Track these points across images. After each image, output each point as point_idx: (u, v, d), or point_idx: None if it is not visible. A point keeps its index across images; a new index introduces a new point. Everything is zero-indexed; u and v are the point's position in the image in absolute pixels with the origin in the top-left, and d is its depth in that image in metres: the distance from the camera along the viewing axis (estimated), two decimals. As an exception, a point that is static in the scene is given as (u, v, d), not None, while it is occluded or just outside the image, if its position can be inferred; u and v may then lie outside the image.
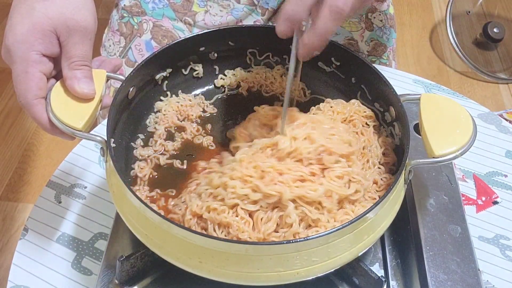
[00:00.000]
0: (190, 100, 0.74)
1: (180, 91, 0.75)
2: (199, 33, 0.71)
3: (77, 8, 0.60)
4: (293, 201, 0.55)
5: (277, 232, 0.55)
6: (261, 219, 0.55)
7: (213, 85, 0.77)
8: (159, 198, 0.63)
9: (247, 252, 0.50)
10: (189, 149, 0.69)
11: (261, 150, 0.60)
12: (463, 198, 0.74)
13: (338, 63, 0.72)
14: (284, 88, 0.73)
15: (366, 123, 0.67)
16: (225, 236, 0.55)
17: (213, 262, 0.52)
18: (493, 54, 2.20)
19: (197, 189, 0.60)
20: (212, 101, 0.76)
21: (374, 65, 0.67)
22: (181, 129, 0.71)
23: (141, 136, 0.70)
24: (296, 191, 0.55)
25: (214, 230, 0.55)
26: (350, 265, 0.57)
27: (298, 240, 0.50)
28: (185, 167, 0.67)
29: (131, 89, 0.66)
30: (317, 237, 0.50)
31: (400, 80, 0.94)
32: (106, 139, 0.58)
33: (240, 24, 0.97)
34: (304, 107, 0.69)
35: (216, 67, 0.76)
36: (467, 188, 0.78)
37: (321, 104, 0.69)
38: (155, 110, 0.72)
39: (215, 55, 0.75)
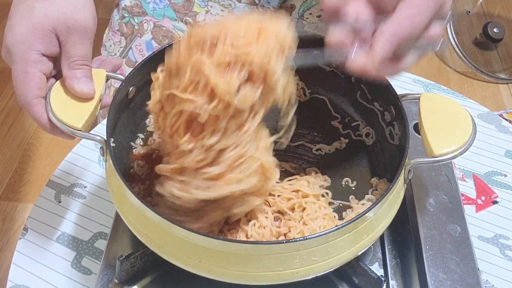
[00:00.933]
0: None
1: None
2: (199, 32, 0.71)
3: (77, 8, 0.60)
4: None
5: None
6: None
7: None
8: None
9: (247, 252, 0.51)
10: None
11: None
12: (463, 197, 0.74)
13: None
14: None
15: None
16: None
17: (213, 261, 0.52)
18: (493, 54, 2.20)
19: None
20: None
21: (373, 64, 0.67)
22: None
23: (141, 135, 0.70)
24: None
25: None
26: (350, 265, 0.57)
27: (298, 239, 0.50)
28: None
29: (131, 89, 0.66)
30: (316, 236, 0.50)
31: (400, 79, 0.94)
32: (106, 139, 0.58)
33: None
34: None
35: (216, 67, 0.76)
36: (466, 188, 0.78)
37: None
38: None
39: (215, 54, 0.75)
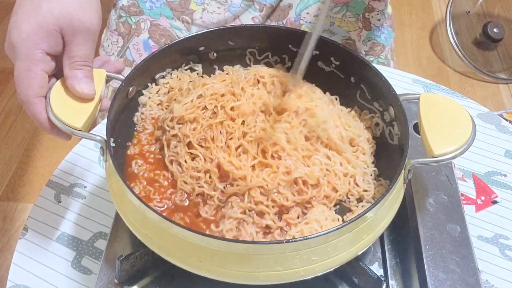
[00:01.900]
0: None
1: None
2: (198, 32, 0.71)
3: (83, 8, 0.59)
4: None
5: None
6: None
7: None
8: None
9: (247, 252, 0.51)
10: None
11: None
12: (463, 197, 0.74)
13: (338, 63, 0.72)
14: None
15: None
16: None
17: (213, 261, 0.52)
18: (493, 54, 2.20)
19: None
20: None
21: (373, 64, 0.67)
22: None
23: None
24: None
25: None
26: (350, 264, 0.57)
27: (298, 239, 0.50)
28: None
29: (130, 89, 0.67)
30: (316, 236, 0.50)
31: (400, 79, 0.94)
32: (105, 139, 0.58)
33: (239, 23, 0.97)
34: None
35: (216, 66, 0.76)
36: (466, 188, 0.78)
37: None
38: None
39: (215, 54, 0.75)
